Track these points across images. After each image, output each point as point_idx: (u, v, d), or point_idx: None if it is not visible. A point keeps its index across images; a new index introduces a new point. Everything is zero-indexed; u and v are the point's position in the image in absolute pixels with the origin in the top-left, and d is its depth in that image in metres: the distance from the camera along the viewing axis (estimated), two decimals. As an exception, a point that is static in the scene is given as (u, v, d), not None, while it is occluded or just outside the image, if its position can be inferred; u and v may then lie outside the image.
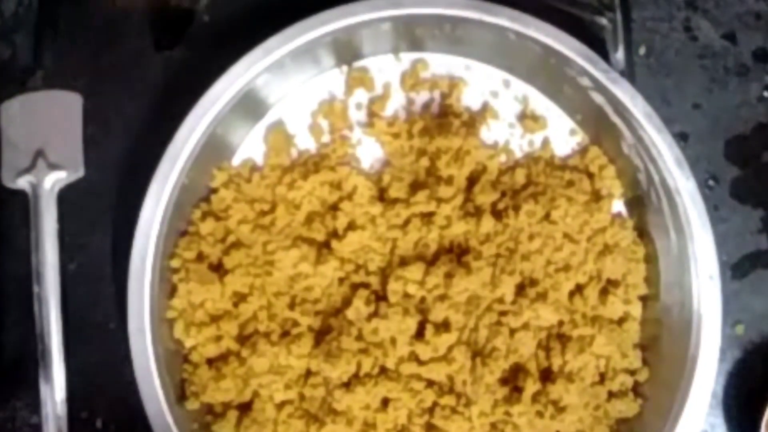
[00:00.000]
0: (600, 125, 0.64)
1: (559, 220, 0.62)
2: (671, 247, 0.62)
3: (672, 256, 0.62)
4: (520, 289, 0.62)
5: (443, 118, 0.64)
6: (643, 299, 0.63)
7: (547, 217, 0.62)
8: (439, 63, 0.65)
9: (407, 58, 0.66)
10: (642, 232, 0.64)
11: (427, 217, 0.62)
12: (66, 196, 0.65)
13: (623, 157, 0.63)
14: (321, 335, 0.61)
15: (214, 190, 0.63)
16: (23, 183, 0.64)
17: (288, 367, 0.60)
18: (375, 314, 0.60)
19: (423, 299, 0.61)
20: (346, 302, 0.61)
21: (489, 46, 0.63)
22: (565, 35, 0.61)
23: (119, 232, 0.64)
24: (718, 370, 0.60)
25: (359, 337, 0.60)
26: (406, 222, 0.62)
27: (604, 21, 0.63)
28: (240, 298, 0.62)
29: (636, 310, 0.63)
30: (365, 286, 0.62)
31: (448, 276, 0.60)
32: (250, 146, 0.65)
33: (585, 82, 0.62)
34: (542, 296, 0.61)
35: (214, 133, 0.61)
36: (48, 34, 0.67)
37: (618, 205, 0.64)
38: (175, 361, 0.61)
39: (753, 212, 0.66)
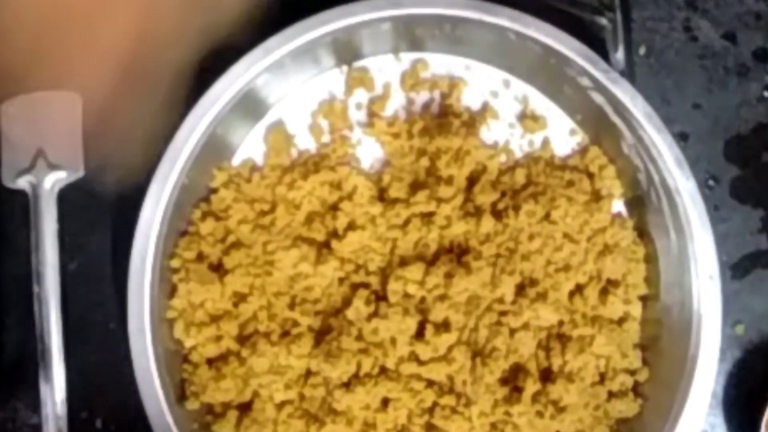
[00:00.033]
0: (600, 125, 0.64)
1: (559, 220, 0.62)
2: (671, 247, 0.62)
3: (672, 256, 0.62)
4: (520, 289, 0.62)
5: (443, 118, 0.64)
6: (643, 299, 0.63)
7: (547, 217, 0.62)
8: (439, 63, 0.65)
9: (407, 58, 0.66)
10: (642, 232, 0.64)
11: (427, 217, 0.62)
12: (66, 196, 0.65)
13: (623, 157, 0.63)
14: (321, 335, 0.61)
15: (214, 190, 0.63)
16: (23, 183, 0.64)
17: (288, 367, 0.60)
18: (375, 314, 0.60)
19: (423, 299, 0.61)
20: (346, 302, 0.61)
21: (489, 46, 0.63)
22: (565, 35, 0.61)
23: (119, 232, 0.64)
24: (718, 370, 0.60)
25: (359, 337, 0.60)
26: (406, 222, 0.62)
27: (604, 21, 0.63)
28: (240, 298, 0.62)
29: (636, 310, 0.63)
30: (365, 286, 0.62)
31: (448, 276, 0.60)
32: (250, 146, 0.65)
33: (585, 82, 0.62)
34: (542, 296, 0.61)
35: (214, 133, 0.61)
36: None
37: (618, 205, 0.65)
38: (175, 361, 0.61)
39: (753, 212, 0.66)
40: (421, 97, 0.65)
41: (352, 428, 0.60)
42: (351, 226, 0.62)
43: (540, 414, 0.60)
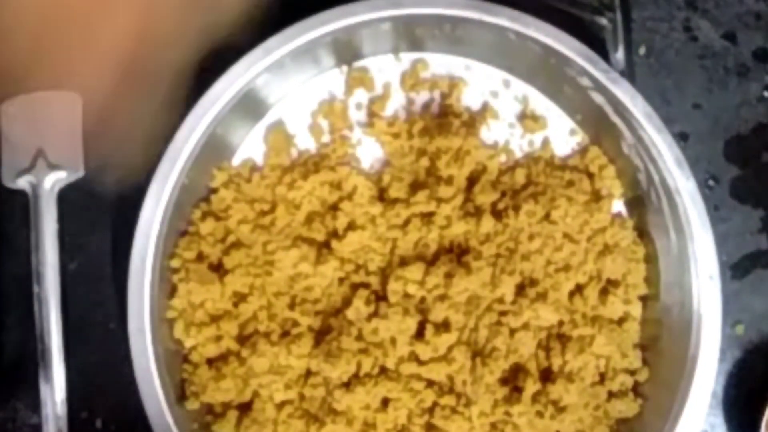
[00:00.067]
0: (600, 125, 0.64)
1: (559, 220, 0.62)
2: (671, 247, 0.62)
3: (672, 256, 0.62)
4: (520, 289, 0.62)
5: (443, 118, 0.64)
6: (643, 299, 0.63)
7: (547, 217, 0.62)
8: (439, 63, 0.65)
9: (407, 58, 0.66)
10: (642, 232, 0.64)
11: (427, 217, 0.62)
12: (66, 196, 0.65)
13: (623, 157, 0.63)
14: (321, 335, 0.61)
15: (214, 190, 0.63)
16: (23, 183, 0.64)
17: (288, 367, 0.60)
18: (375, 314, 0.60)
19: (423, 299, 0.61)
20: (346, 302, 0.61)
21: (489, 46, 0.63)
22: (565, 35, 0.61)
23: (119, 232, 0.64)
24: (718, 370, 0.60)
25: (359, 337, 0.60)
26: (406, 222, 0.62)
27: (604, 21, 0.63)
28: (240, 298, 0.62)
29: (636, 310, 0.63)
30: (365, 286, 0.62)
31: (448, 276, 0.60)
32: (250, 146, 0.65)
33: (585, 82, 0.62)
34: (542, 296, 0.61)
35: (214, 133, 0.61)
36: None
37: (618, 205, 0.65)
38: (175, 361, 0.61)
39: (753, 212, 0.66)
40: (421, 97, 0.65)
41: (352, 428, 0.60)
42: (351, 226, 0.62)
43: (540, 414, 0.60)
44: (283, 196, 0.63)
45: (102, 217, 0.65)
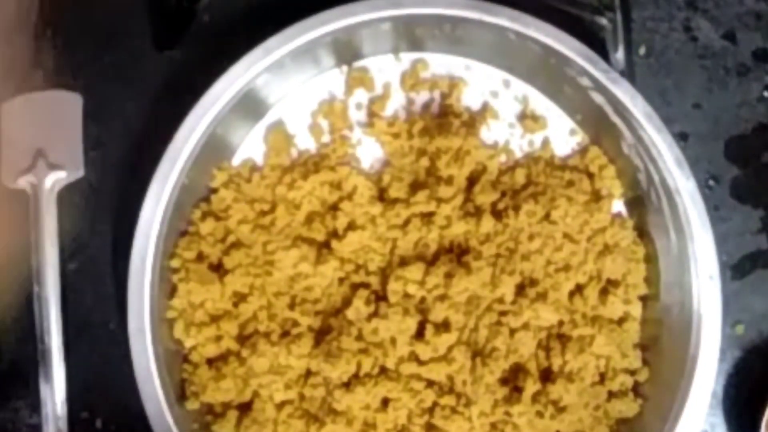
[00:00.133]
0: (600, 125, 0.64)
1: (559, 220, 0.62)
2: (671, 247, 0.62)
3: (672, 256, 0.62)
4: (520, 289, 0.62)
5: (443, 118, 0.64)
6: (643, 299, 0.63)
7: (547, 217, 0.62)
8: (439, 63, 0.65)
9: (407, 58, 0.66)
10: (642, 232, 0.64)
11: (427, 217, 0.62)
12: (66, 196, 0.65)
13: (623, 157, 0.63)
14: (321, 335, 0.61)
15: (214, 190, 0.63)
16: (23, 183, 0.64)
17: (288, 367, 0.60)
18: (375, 314, 0.60)
19: (423, 299, 0.61)
20: (346, 302, 0.61)
21: (489, 46, 0.63)
22: (565, 35, 0.61)
23: (119, 232, 0.64)
24: (718, 370, 0.60)
25: (359, 337, 0.60)
26: (406, 222, 0.62)
27: (604, 21, 0.63)
28: (240, 298, 0.62)
29: (636, 310, 0.63)
30: (365, 286, 0.62)
31: (448, 276, 0.60)
32: (250, 146, 0.65)
33: (585, 82, 0.62)
34: (542, 296, 0.61)
35: (214, 133, 0.61)
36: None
37: (618, 205, 0.64)
38: (175, 361, 0.61)
39: (753, 212, 0.66)
40: (421, 97, 0.65)
41: (352, 428, 0.60)
42: (351, 226, 0.62)
43: (540, 414, 0.60)
44: (283, 196, 0.63)
45: (102, 217, 0.65)
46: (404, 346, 0.60)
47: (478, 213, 0.62)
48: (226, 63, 0.61)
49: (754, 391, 0.64)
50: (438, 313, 0.60)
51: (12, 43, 0.66)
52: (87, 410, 0.64)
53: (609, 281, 0.63)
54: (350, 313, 0.60)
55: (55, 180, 0.64)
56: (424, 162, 0.63)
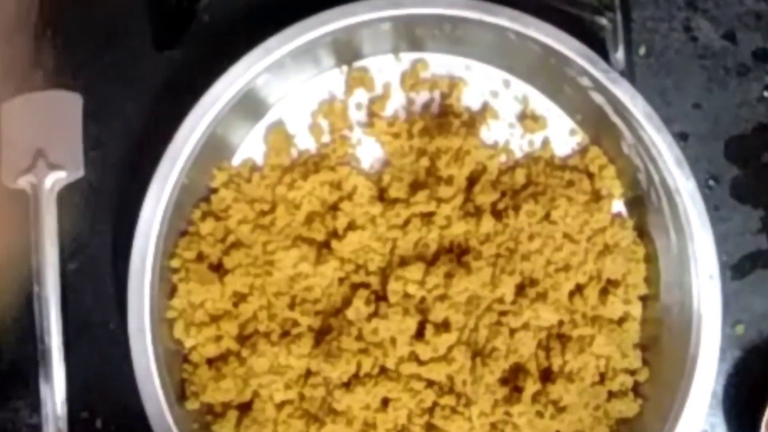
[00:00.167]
0: (600, 125, 0.64)
1: (559, 220, 0.62)
2: (671, 247, 0.62)
3: (672, 256, 0.62)
4: (520, 289, 0.62)
5: (443, 118, 0.64)
6: (643, 299, 0.63)
7: (547, 217, 0.62)
8: (439, 63, 0.65)
9: (407, 58, 0.65)
10: (642, 232, 0.64)
11: (427, 217, 0.62)
12: (66, 196, 0.65)
13: (623, 157, 0.63)
14: (321, 335, 0.61)
15: (214, 190, 0.63)
16: (23, 183, 0.64)
17: (288, 367, 0.60)
18: (375, 314, 0.60)
19: (423, 299, 0.61)
20: (346, 302, 0.61)
21: (489, 46, 0.63)
22: (565, 35, 0.61)
23: (119, 232, 0.64)
24: (718, 370, 0.60)
25: (359, 337, 0.60)
26: (406, 222, 0.62)
27: (604, 21, 0.63)
28: (240, 298, 0.62)
29: (636, 310, 0.63)
30: (365, 286, 0.62)
31: (448, 276, 0.60)
32: (250, 146, 0.65)
33: (585, 82, 0.62)
34: (542, 296, 0.61)
35: (214, 133, 0.61)
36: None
37: (618, 205, 0.64)
38: (175, 361, 0.61)
39: (753, 212, 0.66)
40: (421, 97, 0.65)
41: (352, 428, 0.60)
42: (351, 226, 0.62)
43: (540, 414, 0.60)
44: (283, 196, 0.63)
45: (102, 217, 0.65)
46: (404, 346, 0.60)
47: (478, 213, 0.62)
48: (226, 63, 0.61)
49: (754, 391, 0.64)
50: (438, 313, 0.60)
51: (12, 43, 0.66)
52: (87, 410, 0.64)
53: (609, 281, 0.63)
54: (350, 313, 0.60)
55: (55, 180, 0.64)
56: (424, 162, 0.63)
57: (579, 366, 0.61)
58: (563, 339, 0.62)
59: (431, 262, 0.62)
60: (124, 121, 0.66)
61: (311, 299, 0.62)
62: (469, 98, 0.65)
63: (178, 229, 0.62)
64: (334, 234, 0.62)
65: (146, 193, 0.60)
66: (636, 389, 0.63)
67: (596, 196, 0.63)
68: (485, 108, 0.65)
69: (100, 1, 0.67)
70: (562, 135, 0.65)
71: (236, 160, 0.65)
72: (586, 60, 0.61)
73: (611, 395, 0.62)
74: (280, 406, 0.61)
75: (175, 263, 0.62)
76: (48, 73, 0.66)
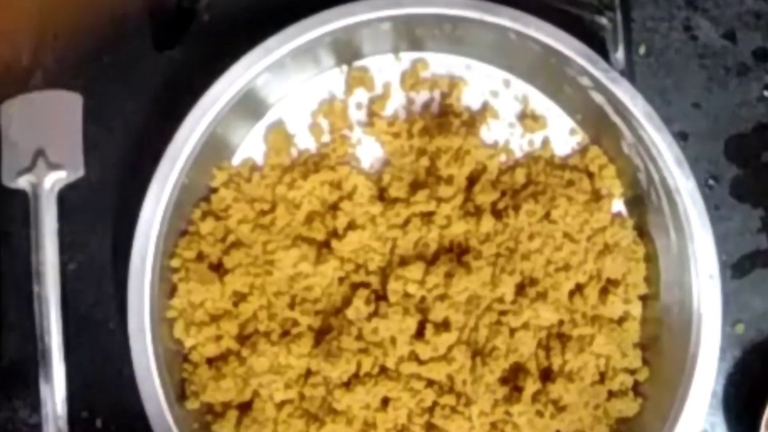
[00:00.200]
0: (600, 125, 0.64)
1: (559, 219, 0.62)
2: (671, 247, 0.62)
3: (672, 255, 0.62)
4: (520, 289, 0.62)
5: (443, 117, 0.64)
6: (643, 299, 0.63)
7: (547, 216, 0.62)
8: (439, 63, 0.65)
9: (407, 57, 0.66)
10: (642, 232, 0.64)
11: (427, 217, 0.62)
12: (66, 196, 0.65)
13: (623, 156, 0.63)
14: (321, 335, 0.61)
15: (214, 190, 0.63)
16: (23, 183, 0.64)
17: (288, 367, 0.60)
18: (375, 314, 0.60)
19: (423, 299, 0.61)
20: (346, 302, 0.61)
21: (489, 46, 0.63)
22: (565, 35, 0.61)
23: (119, 232, 0.64)
24: (718, 370, 0.60)
25: (359, 337, 0.60)
26: (406, 221, 0.62)
27: (604, 20, 0.63)
28: (240, 298, 0.62)
29: (636, 309, 0.63)
30: (365, 285, 0.62)
31: (448, 276, 0.60)
32: (250, 146, 0.65)
33: (585, 81, 0.62)
34: (542, 296, 0.61)
35: (214, 133, 0.61)
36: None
37: (618, 205, 0.64)
38: (175, 361, 0.61)
39: (753, 212, 0.66)
40: (421, 96, 0.65)
41: (352, 428, 0.60)
42: (351, 226, 0.62)
43: (540, 413, 0.60)
44: (283, 195, 0.63)
45: (102, 217, 0.65)
46: (404, 346, 0.60)
47: (478, 212, 0.62)
48: (226, 63, 0.61)
49: (754, 391, 0.64)
50: (438, 313, 0.60)
51: (12, 43, 0.66)
52: (87, 410, 0.64)
53: (609, 281, 0.63)
54: (350, 313, 0.60)
55: (55, 180, 0.64)
56: (424, 162, 0.63)
57: (579, 365, 0.61)
58: (563, 338, 0.62)
59: (431, 261, 0.62)
60: (124, 121, 0.66)
61: (311, 299, 0.62)
62: (469, 98, 0.65)
63: (178, 229, 0.62)
64: (334, 233, 0.62)
65: (146, 193, 0.60)
66: (636, 389, 0.63)
67: (596, 196, 0.63)
68: (485, 108, 0.65)
69: (100, 1, 0.67)
70: (562, 135, 0.65)
71: (236, 160, 0.65)
72: (586, 59, 0.61)
73: (611, 395, 0.62)
74: (280, 405, 0.61)
75: (175, 263, 0.62)
76: (48, 73, 0.66)
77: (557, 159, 0.65)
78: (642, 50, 0.67)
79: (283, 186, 0.63)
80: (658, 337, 0.62)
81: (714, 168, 0.66)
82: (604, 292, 0.62)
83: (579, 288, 0.62)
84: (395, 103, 0.65)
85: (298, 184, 0.62)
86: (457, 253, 0.62)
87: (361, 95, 0.65)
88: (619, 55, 0.63)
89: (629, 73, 0.63)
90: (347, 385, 0.60)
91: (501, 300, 0.61)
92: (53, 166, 0.64)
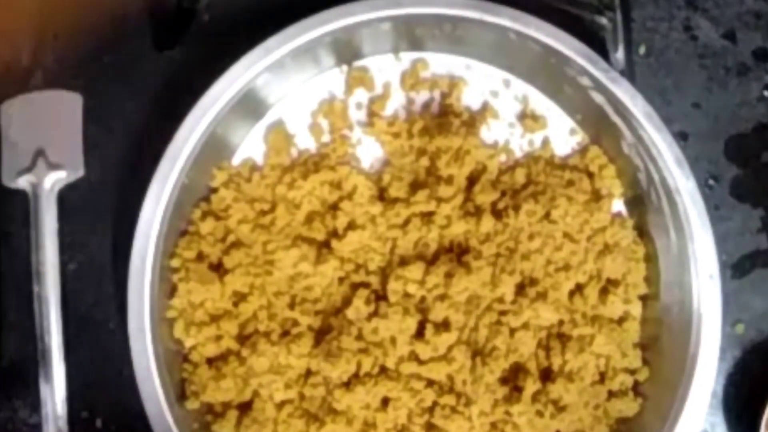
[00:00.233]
0: (600, 125, 0.64)
1: (559, 219, 0.62)
2: (671, 247, 0.62)
3: (672, 255, 0.62)
4: (520, 289, 0.62)
5: (443, 117, 0.64)
6: (643, 298, 0.63)
7: (547, 216, 0.62)
8: (439, 63, 0.65)
9: (407, 57, 0.66)
10: (642, 232, 0.64)
11: (427, 217, 0.62)
12: (66, 196, 0.65)
13: (623, 156, 0.63)
14: (321, 335, 0.61)
15: (214, 190, 0.63)
16: (23, 183, 0.64)
17: (288, 367, 0.60)
18: (375, 314, 0.60)
19: (423, 299, 0.61)
20: (346, 302, 0.61)
21: (489, 46, 0.63)
22: (565, 35, 0.61)
23: (119, 232, 0.64)
24: (718, 370, 0.60)
25: (359, 337, 0.60)
26: (406, 221, 0.62)
27: (604, 20, 0.63)
28: (240, 298, 0.62)
29: (636, 309, 0.63)
30: (365, 285, 0.62)
31: (448, 275, 0.60)
32: (250, 146, 0.65)
33: (585, 81, 0.62)
34: (542, 296, 0.61)
35: (214, 133, 0.61)
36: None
37: (618, 205, 0.64)
38: (175, 361, 0.61)
39: (753, 212, 0.66)
40: (421, 96, 0.65)
41: (352, 428, 0.60)
42: (351, 226, 0.62)
43: (540, 413, 0.60)
44: (283, 195, 0.63)
45: (102, 217, 0.65)
46: (404, 346, 0.60)
47: (478, 213, 0.62)
48: (226, 63, 0.61)
49: (754, 391, 0.64)
50: (438, 313, 0.60)
51: (12, 43, 0.66)
52: (87, 410, 0.64)
53: (609, 281, 0.63)
54: (350, 313, 0.60)
55: (55, 180, 0.64)
56: (424, 162, 0.63)
57: (579, 365, 0.61)
58: (563, 338, 0.62)
59: (431, 261, 0.62)
60: (124, 121, 0.66)
61: (311, 299, 0.62)
62: (469, 98, 0.65)
63: (178, 229, 0.62)
64: (334, 233, 0.62)
65: (146, 193, 0.60)
66: (636, 389, 0.63)
67: (596, 196, 0.63)
68: (485, 108, 0.65)
69: (100, 1, 0.67)
70: (562, 134, 0.65)
71: (236, 160, 0.65)
72: (586, 59, 0.61)
73: (611, 395, 0.62)
74: (280, 405, 0.61)
75: (175, 263, 0.62)
76: (48, 73, 0.66)
77: (557, 159, 0.65)
78: (642, 50, 0.67)
79: (283, 186, 0.63)
80: (658, 337, 0.62)
81: (714, 168, 0.66)
82: (604, 292, 0.62)
83: (579, 288, 0.62)
84: (395, 103, 0.65)
85: (298, 184, 0.62)
86: (457, 253, 0.62)
87: (361, 95, 0.65)
88: (619, 55, 0.63)
89: (629, 73, 0.63)
90: (347, 385, 0.60)
91: (501, 300, 0.61)
92: (53, 166, 0.64)
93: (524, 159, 0.65)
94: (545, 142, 0.65)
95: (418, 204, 0.62)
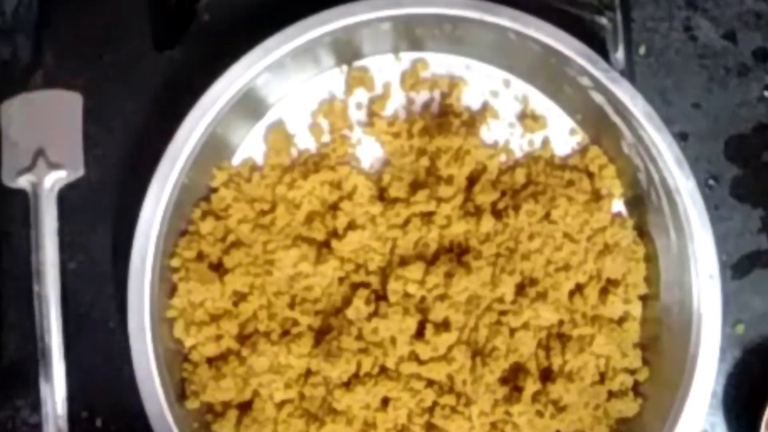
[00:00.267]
0: (600, 125, 0.64)
1: (559, 219, 0.62)
2: (671, 247, 0.62)
3: (672, 255, 0.62)
4: (520, 289, 0.62)
5: (443, 117, 0.64)
6: (643, 299, 0.63)
7: (547, 216, 0.62)
8: (439, 63, 0.65)
9: (407, 57, 0.66)
10: (642, 232, 0.64)
11: (427, 217, 0.62)
12: (66, 196, 0.65)
13: (623, 156, 0.63)
14: (321, 335, 0.61)
15: (214, 190, 0.63)
16: (23, 182, 0.64)
17: (288, 367, 0.60)
18: (375, 314, 0.60)
19: (423, 299, 0.61)
20: (346, 302, 0.61)
21: (489, 46, 0.63)
22: (565, 35, 0.61)
23: (119, 232, 0.64)
24: (718, 370, 0.60)
25: (359, 337, 0.60)
26: (406, 221, 0.62)
27: (604, 20, 0.63)
28: (240, 298, 0.62)
29: (636, 309, 0.63)
30: (365, 285, 0.62)
31: (448, 275, 0.60)
32: (250, 146, 0.65)
33: (585, 81, 0.62)
34: (542, 296, 0.61)
35: (214, 133, 0.61)
36: (48, 34, 0.67)
37: (618, 205, 0.65)
38: (175, 361, 0.61)
39: (753, 212, 0.66)
40: (421, 96, 0.65)
41: (352, 428, 0.60)
42: (351, 226, 0.62)
43: (540, 413, 0.60)
44: (283, 195, 0.63)
45: (102, 217, 0.65)
46: (404, 346, 0.60)
47: (478, 213, 0.62)
48: (226, 63, 0.61)
49: (754, 391, 0.64)
50: (438, 313, 0.60)
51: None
52: (87, 410, 0.64)
53: (609, 281, 0.63)
54: (350, 313, 0.60)
55: (55, 179, 0.64)
56: (424, 162, 0.63)
57: (579, 365, 0.61)
58: (563, 338, 0.62)
59: (431, 261, 0.62)
60: (124, 121, 0.66)
61: (311, 299, 0.62)
62: (469, 98, 0.65)
63: (178, 229, 0.62)
64: (334, 233, 0.62)
65: (146, 193, 0.60)
66: (636, 389, 0.63)
67: (596, 196, 0.63)
68: (485, 108, 0.65)
69: (100, 1, 0.67)
70: (562, 135, 0.65)
71: (236, 160, 0.65)
72: (586, 59, 0.61)
73: (611, 395, 0.62)
74: (280, 405, 0.61)
75: (175, 262, 0.62)
76: (48, 73, 0.66)
77: (557, 159, 0.65)
78: (642, 50, 0.67)
79: (283, 186, 0.63)
80: (658, 337, 0.62)
81: (714, 168, 0.66)
82: (604, 292, 0.62)
83: (579, 288, 0.62)
84: (395, 103, 0.65)
85: (298, 184, 0.62)
86: (457, 253, 0.62)
87: (361, 95, 0.65)
88: (619, 55, 0.63)
89: (629, 73, 0.63)
90: (347, 385, 0.60)
91: (501, 300, 0.61)
92: (53, 166, 0.64)
93: (524, 159, 0.65)
94: (545, 142, 0.65)
95: (418, 204, 0.62)
